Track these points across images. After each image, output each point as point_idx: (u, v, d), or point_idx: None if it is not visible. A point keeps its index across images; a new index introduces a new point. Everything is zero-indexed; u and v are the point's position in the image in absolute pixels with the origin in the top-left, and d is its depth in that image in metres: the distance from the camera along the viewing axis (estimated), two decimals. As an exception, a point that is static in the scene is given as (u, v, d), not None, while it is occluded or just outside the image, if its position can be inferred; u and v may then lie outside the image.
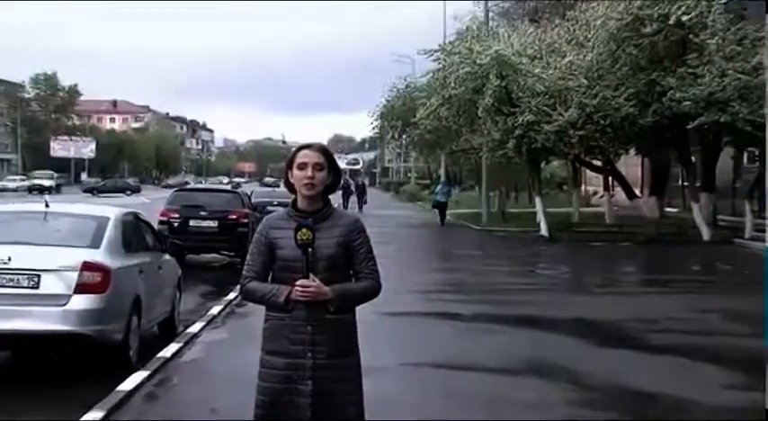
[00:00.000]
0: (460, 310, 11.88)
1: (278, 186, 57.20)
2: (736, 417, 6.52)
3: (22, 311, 7.45)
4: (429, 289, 14.47)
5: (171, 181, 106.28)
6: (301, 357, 3.82)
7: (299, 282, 3.76)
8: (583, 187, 42.55)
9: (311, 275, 3.76)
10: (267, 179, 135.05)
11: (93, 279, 7.67)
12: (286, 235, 3.82)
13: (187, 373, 8.04)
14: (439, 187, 38.30)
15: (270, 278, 3.92)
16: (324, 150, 3.90)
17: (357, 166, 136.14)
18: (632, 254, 22.31)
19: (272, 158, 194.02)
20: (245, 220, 18.39)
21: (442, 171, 53.63)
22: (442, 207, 35.51)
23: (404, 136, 39.16)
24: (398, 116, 37.88)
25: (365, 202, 45.16)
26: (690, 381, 7.74)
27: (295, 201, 3.94)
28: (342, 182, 3.96)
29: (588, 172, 39.62)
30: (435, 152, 42.71)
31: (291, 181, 3.90)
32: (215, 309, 11.54)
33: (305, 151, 3.88)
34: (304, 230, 3.77)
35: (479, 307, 12.30)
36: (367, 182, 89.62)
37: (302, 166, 3.84)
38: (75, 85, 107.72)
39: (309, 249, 3.77)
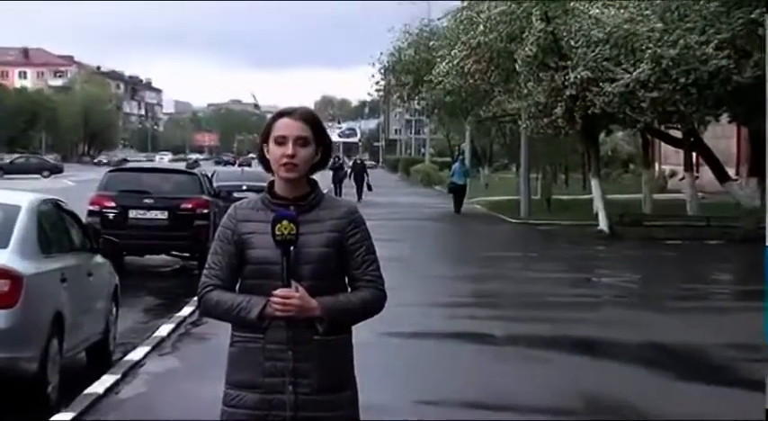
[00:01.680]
0: (493, 330, 11.90)
1: (248, 165, 57.22)
2: None
3: None
4: (451, 301, 14.49)
5: (104, 158, 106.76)
6: (279, 392, 3.82)
7: (277, 292, 3.76)
8: (656, 166, 42.62)
9: (294, 283, 3.77)
10: (226, 156, 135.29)
11: (-2, 289, 7.68)
12: (260, 229, 3.84)
13: (125, 415, 8.02)
14: (456, 166, 38.53)
15: (238, 287, 3.93)
16: (309, 118, 3.93)
17: (354, 139, 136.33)
18: (724, 256, 22.31)
19: (240, 127, 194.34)
20: (205, 211, 18.45)
21: (466, 145, 53.77)
22: (459, 191, 35.72)
23: (416, 98, 39.09)
24: (409, 70, 37.79)
25: (368, 189, 44.63)
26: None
27: (272, 184, 3.96)
28: (332, 160, 3.96)
29: (664, 146, 39.61)
30: (458, 120, 42.65)
31: (268, 157, 3.93)
32: (164, 330, 11.57)
33: (284, 120, 3.91)
34: (284, 223, 3.78)
35: (517, 326, 12.32)
36: (367, 160, 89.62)
37: (281, 141, 3.86)
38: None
39: (291, 248, 3.78)
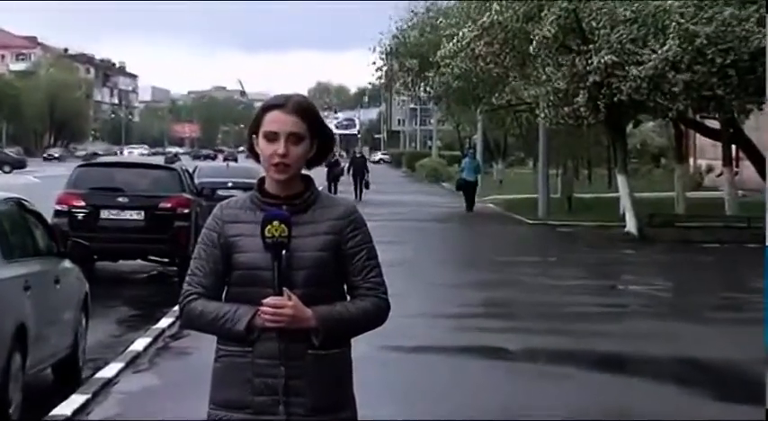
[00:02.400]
0: (507, 344, 11.92)
1: (234, 160, 57.16)
2: None
3: None
4: (460, 312, 14.52)
5: (56, 152, 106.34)
6: (270, 412, 3.84)
7: (267, 301, 3.77)
8: (691, 161, 42.63)
9: (286, 291, 3.78)
10: (205, 150, 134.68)
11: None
12: (249, 231, 3.86)
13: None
14: (465, 161, 38.65)
15: (225, 295, 3.95)
16: (303, 110, 3.93)
17: (353, 131, 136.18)
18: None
19: (225, 118, 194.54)
20: (186, 210, 18.46)
21: (477, 137, 53.80)
22: (469, 188, 35.80)
23: (422, 84, 39.14)
24: (414, 53, 37.84)
25: (366, 187, 44.48)
26: None
27: (263, 181, 3.97)
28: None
29: (699, 138, 39.63)
30: (468, 109, 42.70)
31: (258, 150, 3.95)
32: (139, 343, 11.58)
33: (275, 113, 3.91)
34: (275, 224, 3.79)
35: (535, 339, 12.34)
36: (367, 154, 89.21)
37: (271, 137, 3.87)
38: None
39: (283, 252, 3.80)
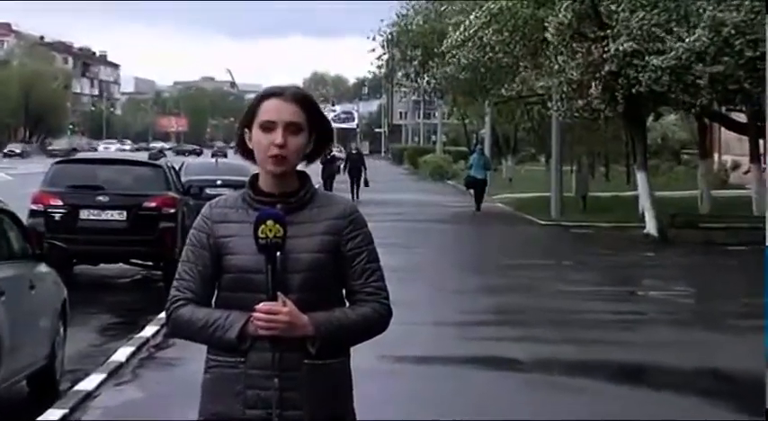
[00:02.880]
0: (518, 354, 11.94)
1: (224, 156, 57.07)
2: None
3: None
4: (467, 319, 14.54)
5: (17, 147, 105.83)
6: (263, 427, 3.83)
7: (260, 307, 3.78)
8: (715, 157, 42.60)
9: (281, 296, 3.78)
10: (190, 145, 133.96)
11: None
12: (241, 232, 3.87)
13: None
14: (474, 157, 38.71)
15: (215, 300, 3.95)
16: (303, 100, 3.94)
17: (351, 125, 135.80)
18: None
19: (214, 111, 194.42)
20: (172, 210, 18.46)
21: (485, 131, 53.83)
22: (479, 186, 35.88)
23: (426, 75, 39.16)
24: (417, 42, 37.87)
25: (365, 184, 44.41)
26: None
27: (255, 178, 3.98)
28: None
29: (725, 132, 39.63)
30: (476, 101, 42.73)
31: (250, 146, 3.95)
32: (122, 353, 11.57)
33: (273, 101, 3.92)
34: (269, 224, 3.79)
35: (548, 348, 12.35)
36: (367, 150, 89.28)
37: (267, 127, 3.88)
38: None
39: (278, 254, 3.80)
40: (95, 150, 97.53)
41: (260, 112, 3.89)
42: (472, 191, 37.74)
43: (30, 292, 9.68)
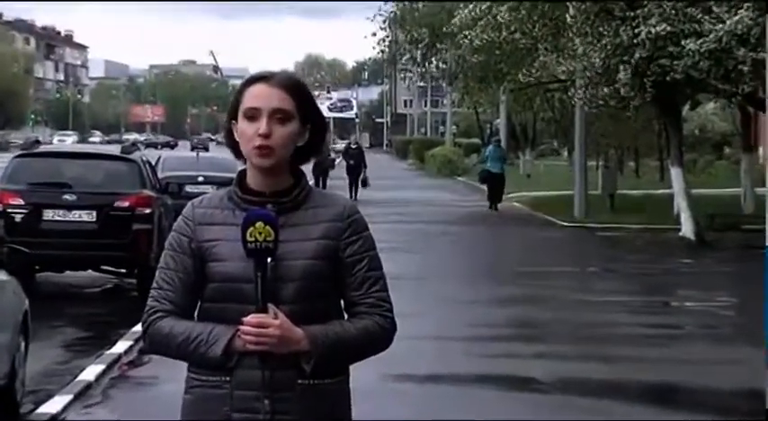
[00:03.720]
0: (536, 373, 11.74)
1: (205, 149, 56.75)
2: None
3: None
4: (479, 334, 14.32)
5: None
6: (251, 454, 3.95)
7: (249, 320, 3.68)
8: (760, 151, 42.03)
9: (272, 307, 3.69)
10: (165, 137, 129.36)
11: None
12: (227, 235, 3.79)
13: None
14: (489, 149, 38.38)
15: (197, 313, 3.88)
16: (292, 85, 3.85)
17: (349, 114, 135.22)
18: None
19: (195, 98, 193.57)
20: (147, 210, 18.23)
21: (500, 122, 53.61)
22: (495, 181, 35.52)
23: (433, 59, 38.91)
24: (424, 22, 37.52)
25: (364, 184, 43.71)
26: None
27: (243, 174, 3.89)
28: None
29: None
30: (489, 88, 42.19)
31: (237, 139, 3.87)
32: (90, 372, 11.34)
33: (258, 87, 3.83)
34: (259, 226, 3.68)
35: (569, 366, 12.19)
36: (367, 143, 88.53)
37: (252, 116, 3.79)
38: None
39: (269, 260, 3.71)
40: (49, 144, 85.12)
41: (244, 99, 3.80)
42: (485, 187, 37.25)
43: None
